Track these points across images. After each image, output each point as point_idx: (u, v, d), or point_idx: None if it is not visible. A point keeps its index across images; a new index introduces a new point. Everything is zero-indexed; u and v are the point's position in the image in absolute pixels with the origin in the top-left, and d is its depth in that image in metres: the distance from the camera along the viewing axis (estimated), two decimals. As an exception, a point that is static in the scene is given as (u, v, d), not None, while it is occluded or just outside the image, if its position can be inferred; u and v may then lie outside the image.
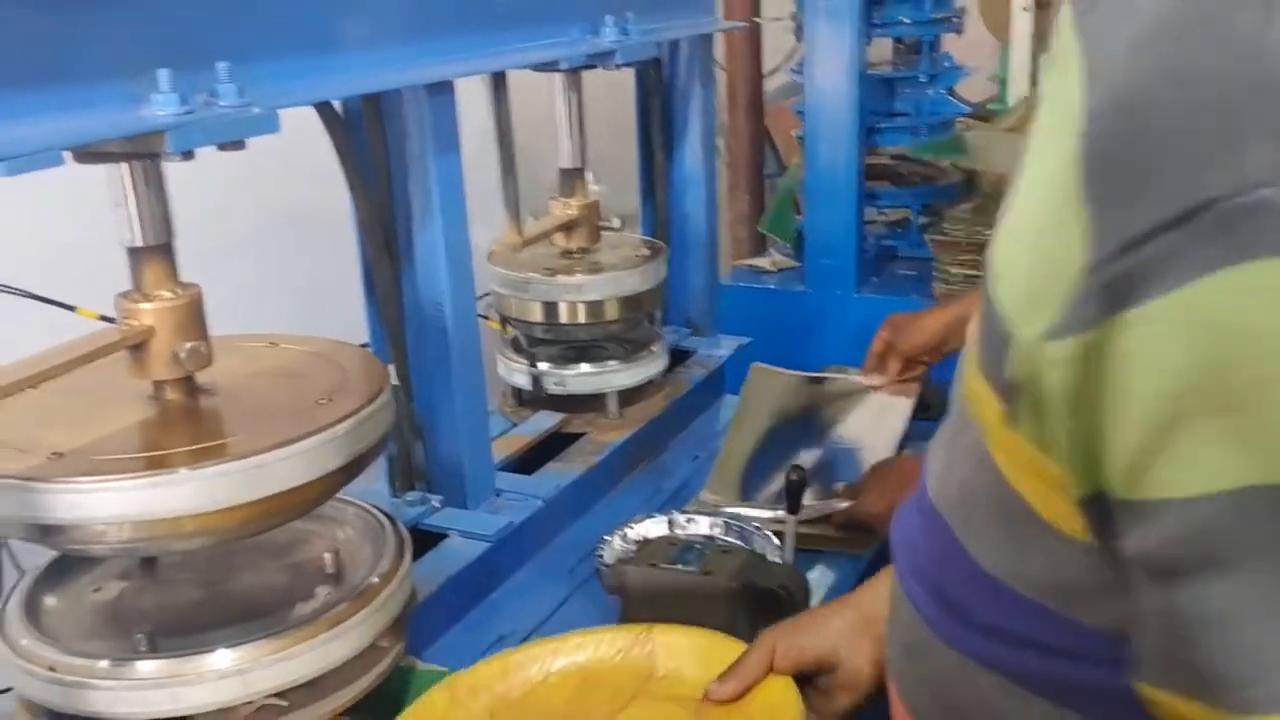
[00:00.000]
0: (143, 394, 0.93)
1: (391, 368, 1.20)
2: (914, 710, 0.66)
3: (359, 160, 1.14)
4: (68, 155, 0.76)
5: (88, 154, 0.81)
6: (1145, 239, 0.38)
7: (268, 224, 1.86)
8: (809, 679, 0.93)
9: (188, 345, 0.89)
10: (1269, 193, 0.35)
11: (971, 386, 0.52)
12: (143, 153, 0.82)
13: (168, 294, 0.89)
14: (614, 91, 1.75)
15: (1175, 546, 0.41)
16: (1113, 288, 0.39)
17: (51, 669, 0.87)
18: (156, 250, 0.89)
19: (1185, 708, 0.44)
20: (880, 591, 0.89)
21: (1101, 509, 0.45)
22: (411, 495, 1.24)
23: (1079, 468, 0.44)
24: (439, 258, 1.19)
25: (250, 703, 0.89)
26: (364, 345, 1.25)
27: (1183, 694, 0.44)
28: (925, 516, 0.62)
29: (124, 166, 0.84)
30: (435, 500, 1.24)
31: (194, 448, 0.85)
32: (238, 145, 0.85)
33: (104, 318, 1.35)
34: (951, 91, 2.33)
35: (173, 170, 0.87)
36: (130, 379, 0.92)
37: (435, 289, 1.20)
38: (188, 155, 0.82)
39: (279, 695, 0.91)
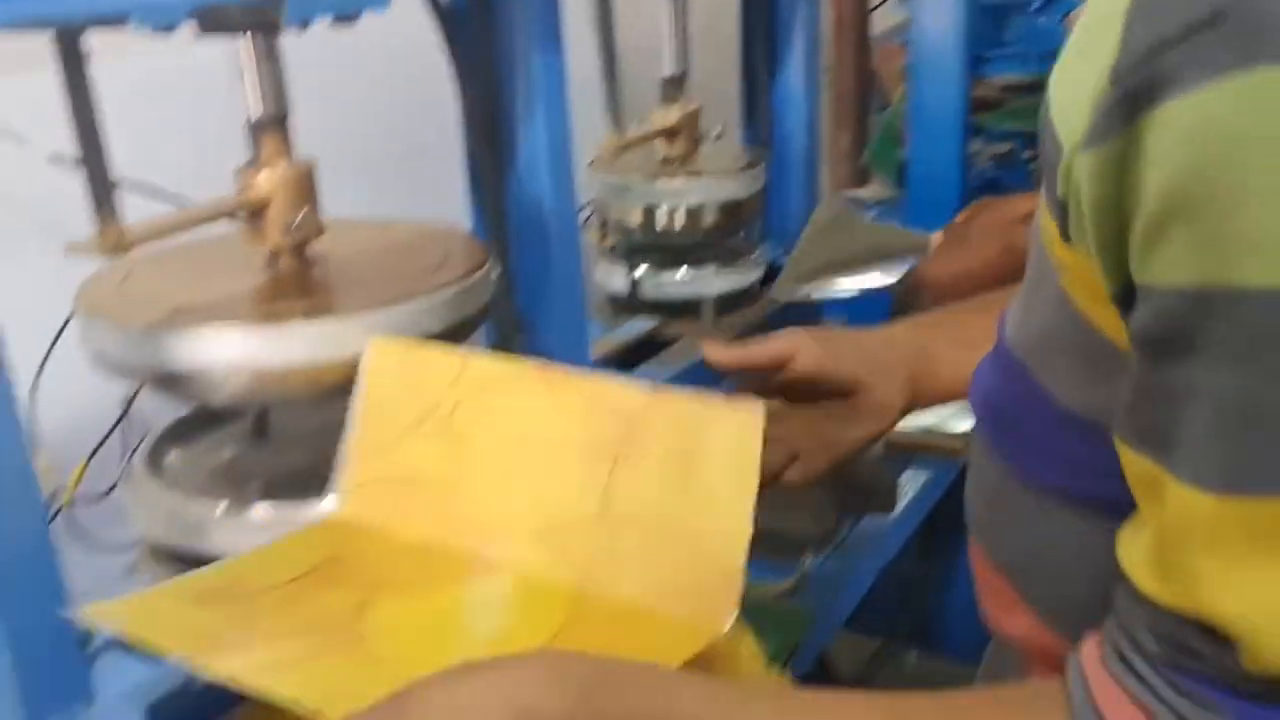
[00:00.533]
0: (258, 262, 0.98)
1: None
2: (1003, 568, 0.67)
3: (464, 54, 1.17)
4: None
5: (210, 21, 0.85)
6: (1169, 45, 0.39)
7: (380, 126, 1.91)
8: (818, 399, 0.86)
9: (300, 214, 0.94)
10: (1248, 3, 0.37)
11: (1043, 223, 0.54)
12: (261, 22, 0.86)
13: (283, 164, 0.94)
14: (717, 6, 1.76)
15: (1155, 326, 0.44)
16: (1137, 92, 0.40)
17: (173, 512, 0.93)
18: (273, 122, 0.93)
19: (1139, 462, 0.48)
20: (930, 335, 0.85)
21: (1128, 303, 0.47)
22: (510, 386, 1.28)
23: (1110, 267, 0.47)
24: (541, 154, 1.21)
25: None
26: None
27: (1140, 450, 0.48)
28: (1004, 365, 0.64)
29: (244, 38, 0.89)
30: (533, 391, 1.28)
31: (304, 305, 0.90)
32: (349, 20, 0.89)
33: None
34: (1064, 20, 2.28)
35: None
36: (247, 249, 0.97)
37: (537, 186, 1.23)
38: (303, 25, 0.86)
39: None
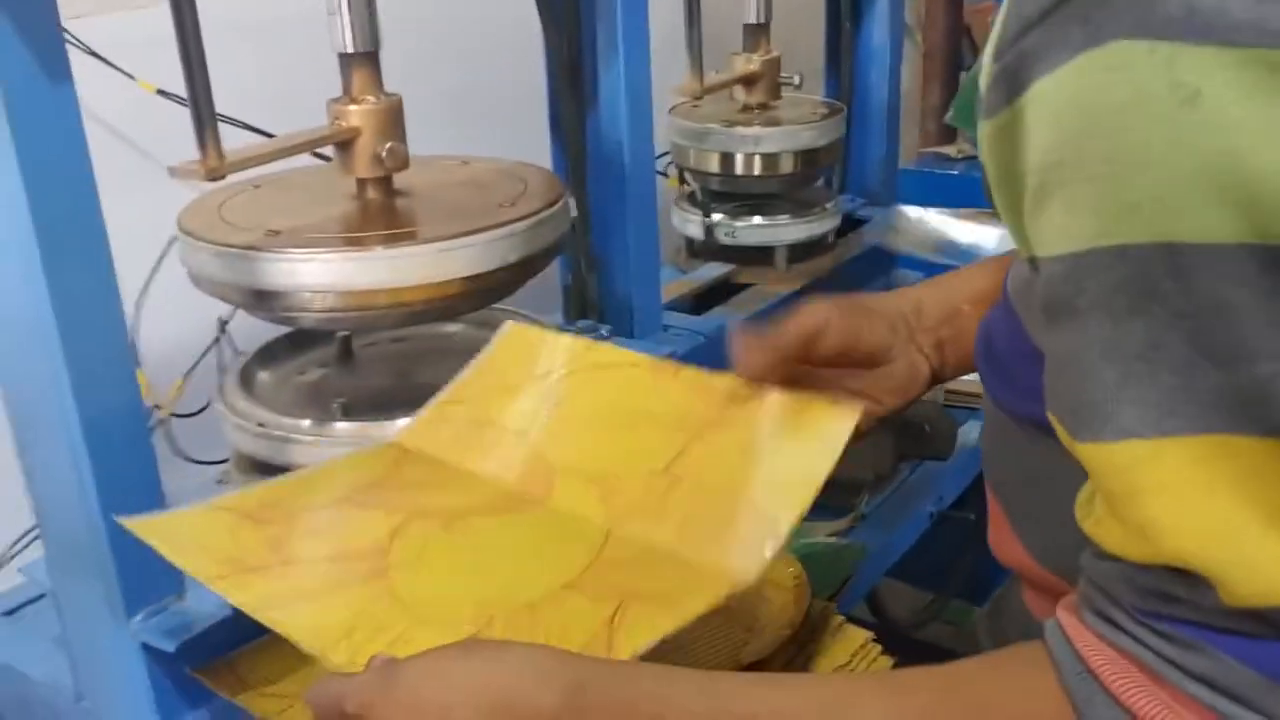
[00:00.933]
0: (347, 192, 1.03)
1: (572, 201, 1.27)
2: (998, 487, 0.70)
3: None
4: None
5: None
6: (1031, 26, 0.42)
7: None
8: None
9: (388, 145, 0.98)
10: None
11: None
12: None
13: (372, 98, 0.98)
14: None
15: (1048, 296, 0.46)
16: (1012, 71, 0.42)
17: (261, 425, 0.99)
18: (364, 57, 0.98)
19: (1060, 429, 0.49)
20: (952, 297, 0.81)
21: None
22: (583, 323, 1.32)
23: (1018, 238, 0.49)
24: (620, 95, 1.24)
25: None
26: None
27: (1056, 416, 0.49)
28: (1004, 304, 0.66)
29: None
30: (604, 329, 1.32)
31: (388, 233, 0.95)
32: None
33: (319, 156, 1.47)
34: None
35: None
36: (336, 180, 1.02)
37: (615, 128, 1.26)
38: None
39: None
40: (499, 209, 1.00)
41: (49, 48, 0.73)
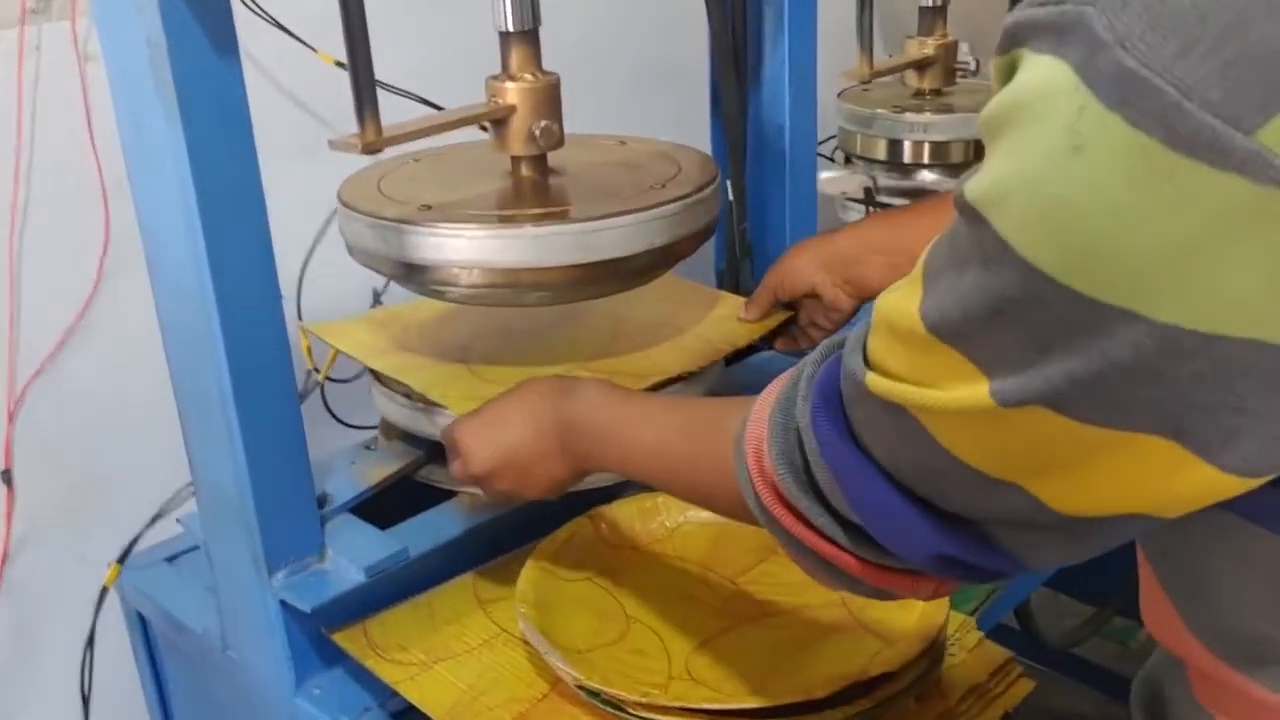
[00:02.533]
0: (502, 169, 1.04)
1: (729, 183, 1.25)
2: (1153, 557, 0.65)
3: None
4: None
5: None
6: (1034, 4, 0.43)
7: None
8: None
9: (542, 124, 0.98)
10: (1080, 8, 0.40)
11: None
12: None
13: (529, 77, 0.98)
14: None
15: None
16: (1009, 35, 0.44)
17: (406, 395, 1.01)
18: (523, 36, 0.97)
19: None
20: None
21: None
22: (735, 309, 1.30)
23: None
24: (784, 79, 1.22)
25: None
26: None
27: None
28: None
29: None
30: (757, 316, 1.29)
31: (537, 211, 0.95)
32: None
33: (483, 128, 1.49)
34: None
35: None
36: (492, 156, 1.03)
37: (777, 110, 1.24)
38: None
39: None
40: (650, 191, 0.98)
41: (219, 26, 0.76)
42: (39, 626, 1.33)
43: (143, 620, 1.11)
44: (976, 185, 0.43)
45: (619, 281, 0.98)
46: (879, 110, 1.46)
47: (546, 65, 0.99)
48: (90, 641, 1.19)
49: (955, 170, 1.47)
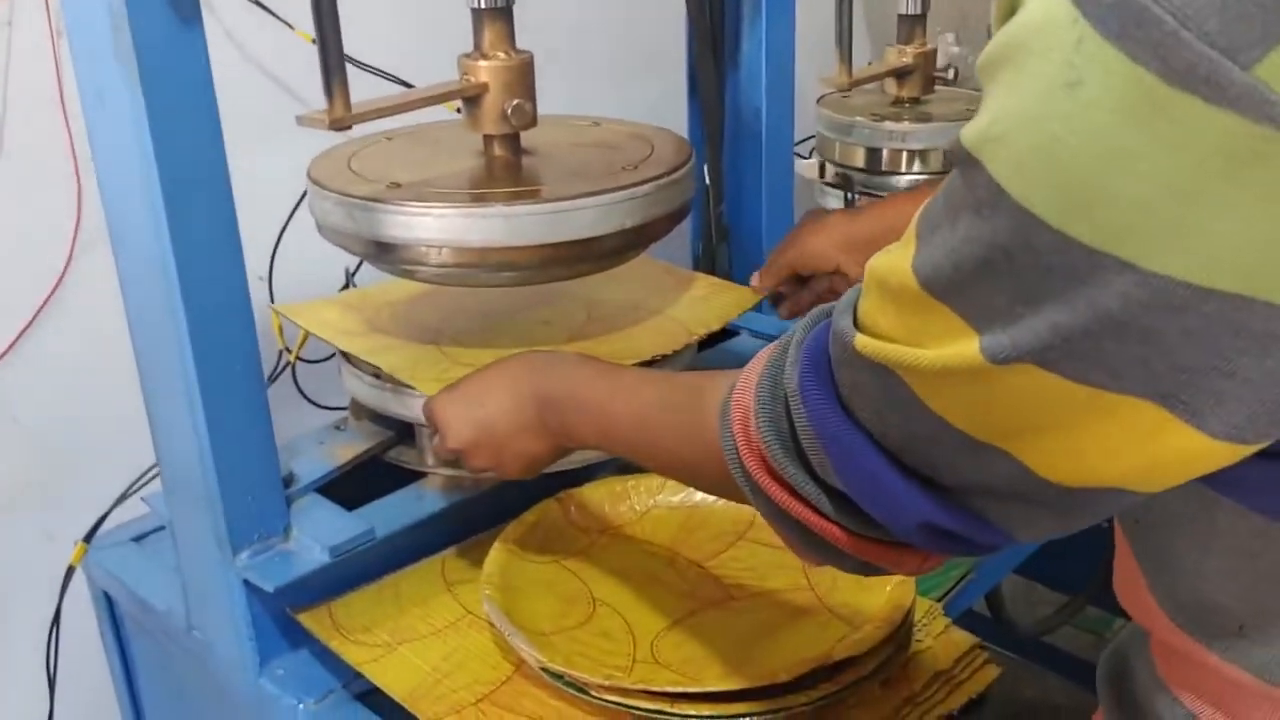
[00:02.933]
0: (474, 148, 1.03)
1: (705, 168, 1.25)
2: (1129, 525, 0.65)
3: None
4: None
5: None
6: None
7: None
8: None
9: (515, 103, 0.97)
10: None
11: None
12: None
13: (502, 55, 0.97)
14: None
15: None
16: None
17: (375, 376, 1.00)
18: (496, 13, 0.96)
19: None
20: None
21: None
22: (711, 293, 1.30)
23: None
24: (761, 63, 1.21)
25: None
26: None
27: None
28: None
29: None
30: (732, 299, 1.29)
31: (508, 190, 0.94)
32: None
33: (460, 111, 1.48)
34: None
35: None
36: (465, 135, 1.02)
37: (754, 93, 1.23)
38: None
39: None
40: (622, 172, 0.98)
41: (180, -6, 0.75)
42: (4, 605, 1.32)
43: (109, 600, 1.10)
44: (971, 129, 0.42)
45: (590, 262, 0.97)
46: (858, 118, 1.45)
47: (523, 49, 0.98)
48: (56, 620, 1.18)
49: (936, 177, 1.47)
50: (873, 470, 0.52)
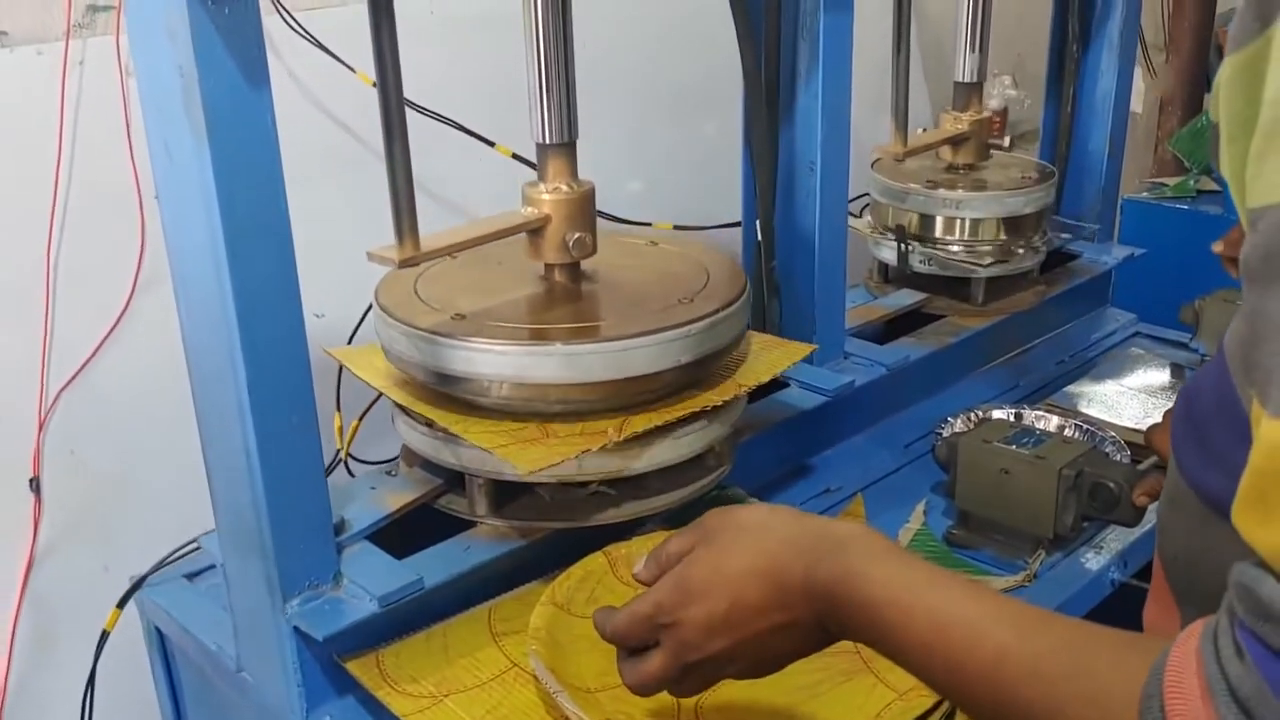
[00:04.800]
0: (536, 273, 1.06)
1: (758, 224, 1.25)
2: (1168, 562, 0.64)
3: (750, 10, 1.18)
4: None
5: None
6: None
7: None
8: None
9: (576, 235, 1.00)
10: None
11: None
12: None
13: (565, 188, 1.00)
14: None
15: (1255, 252, 0.41)
16: (1263, 11, 0.39)
17: (429, 424, 1.01)
18: (560, 148, 1.00)
19: (1251, 403, 0.44)
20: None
21: None
22: (762, 344, 1.30)
23: (1238, 191, 0.45)
24: (817, 118, 1.21)
25: (585, 485, 1.00)
26: (735, 224, 1.33)
27: (1248, 388, 0.44)
28: (1217, 365, 0.59)
29: (538, 51, 0.96)
30: (783, 352, 1.29)
31: (568, 326, 0.97)
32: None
33: (516, 156, 1.50)
34: None
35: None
36: (527, 257, 1.04)
37: (809, 148, 1.23)
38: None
39: (609, 485, 1.00)
40: (679, 305, 1.00)
41: (250, 57, 0.76)
42: (60, 635, 1.34)
43: (160, 635, 1.12)
44: None
45: (646, 395, 0.99)
46: (911, 184, 1.45)
47: (583, 86, 1.00)
48: (99, 650, 1.19)
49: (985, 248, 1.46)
50: None
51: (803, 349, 1.14)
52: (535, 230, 1.00)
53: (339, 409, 1.23)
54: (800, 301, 1.28)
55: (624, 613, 0.72)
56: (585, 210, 1.01)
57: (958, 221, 1.45)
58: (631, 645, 0.72)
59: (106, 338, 1.34)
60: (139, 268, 1.34)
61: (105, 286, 1.33)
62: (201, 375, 0.89)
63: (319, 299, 1.33)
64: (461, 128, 1.50)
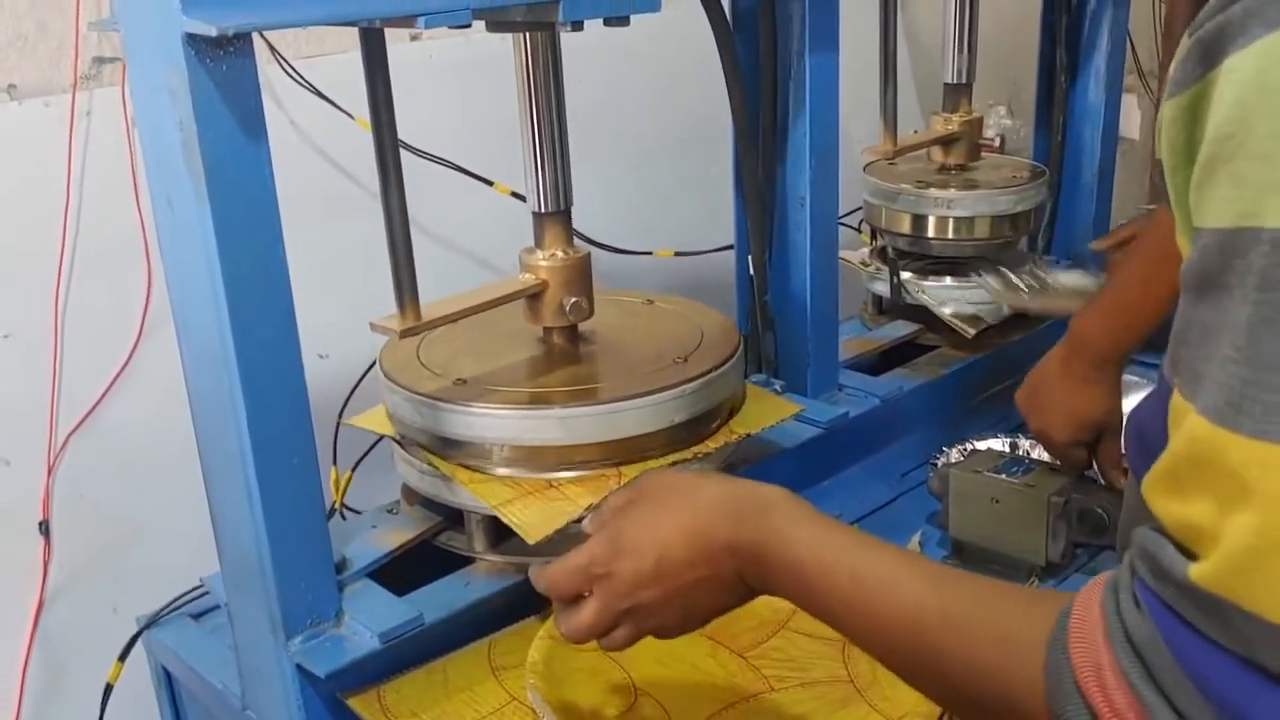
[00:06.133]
0: (535, 335, 1.09)
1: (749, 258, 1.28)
2: None
3: (738, 53, 1.20)
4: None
5: (494, 22, 0.93)
6: (1226, 12, 0.42)
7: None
8: None
9: (573, 300, 1.04)
10: None
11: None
12: (539, 22, 0.93)
13: (561, 254, 1.04)
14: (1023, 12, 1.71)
15: (1201, 267, 0.46)
16: (1208, 44, 0.42)
17: (429, 464, 1.03)
18: (555, 216, 1.03)
19: (1174, 392, 0.49)
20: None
21: None
22: (757, 378, 1.32)
23: (1183, 226, 0.48)
24: (805, 155, 1.24)
25: (579, 520, 1.01)
26: (729, 247, 1.36)
27: (1174, 377, 0.49)
28: (1159, 394, 0.61)
29: (523, 38, 0.96)
30: (778, 385, 1.31)
31: (566, 389, 1.00)
32: (622, 22, 0.95)
33: (515, 194, 1.52)
34: None
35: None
36: (525, 324, 1.08)
37: (799, 185, 1.26)
38: (577, 26, 0.92)
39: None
40: (673, 366, 1.03)
41: (248, 113, 0.79)
42: (70, 677, 1.36)
43: (168, 675, 1.14)
44: (1216, 232, 0.43)
45: (643, 454, 1.01)
46: (903, 186, 1.47)
47: (577, 124, 1.03)
48: (106, 693, 1.20)
49: (979, 245, 1.49)
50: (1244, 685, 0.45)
51: (791, 408, 1.17)
52: (534, 295, 1.04)
53: (335, 463, 1.26)
54: (794, 334, 1.31)
55: (559, 564, 0.75)
56: (581, 275, 1.04)
57: (949, 221, 1.47)
58: (567, 596, 0.75)
59: (114, 382, 1.37)
60: (145, 313, 1.37)
61: (112, 332, 1.36)
62: (204, 419, 0.91)
63: (323, 340, 1.37)
64: (460, 169, 1.53)
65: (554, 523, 0.93)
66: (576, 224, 1.08)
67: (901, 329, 1.50)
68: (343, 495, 1.21)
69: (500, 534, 1.02)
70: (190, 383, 0.91)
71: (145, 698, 1.18)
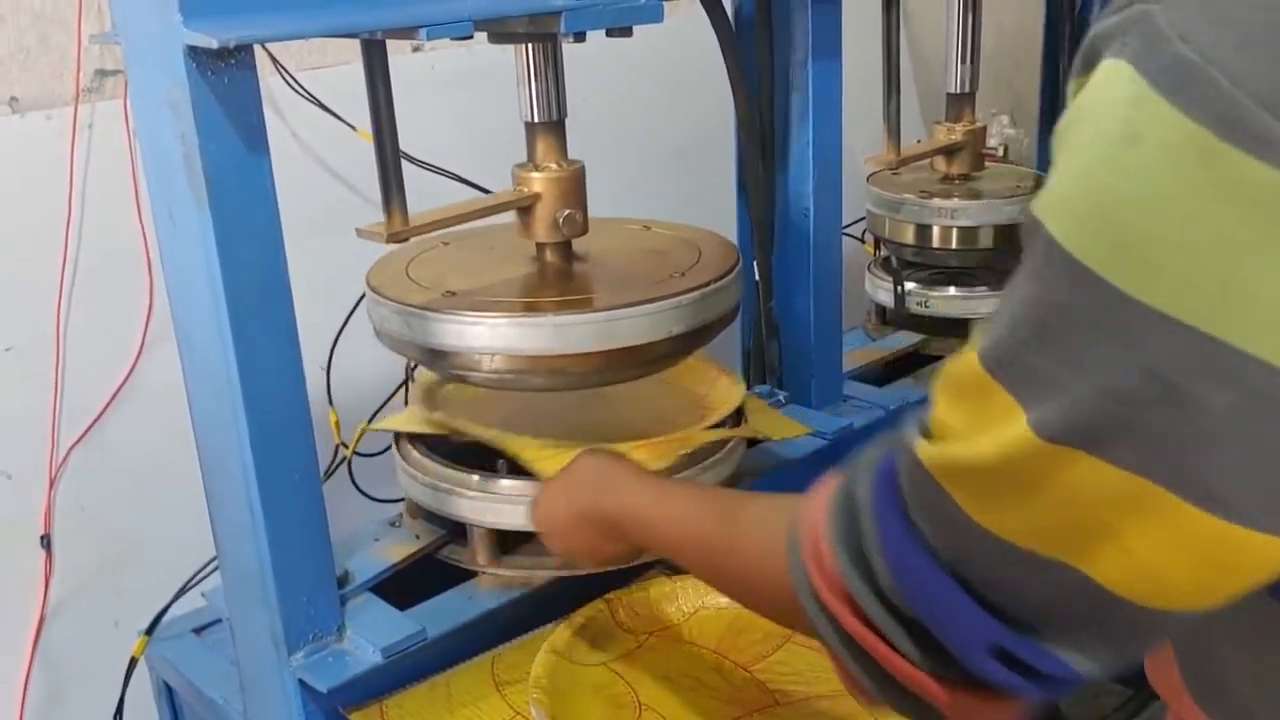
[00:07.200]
0: (527, 254, 1.06)
1: (755, 265, 1.27)
2: None
3: (742, 62, 1.20)
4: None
5: (496, 34, 0.93)
6: (1109, 15, 0.44)
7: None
8: None
9: (566, 212, 1.00)
10: (1145, 7, 0.41)
11: None
12: (541, 33, 0.92)
13: (554, 166, 1.00)
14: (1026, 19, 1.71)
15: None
16: (1087, 53, 0.45)
17: (431, 478, 1.02)
18: (549, 126, 1.00)
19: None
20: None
21: None
22: (761, 388, 1.31)
23: None
24: (808, 164, 1.24)
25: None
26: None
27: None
28: None
29: (525, 47, 0.96)
30: (781, 395, 1.30)
31: (559, 299, 0.97)
32: (625, 33, 0.94)
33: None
34: None
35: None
36: (519, 241, 1.05)
37: (802, 194, 1.25)
38: (579, 37, 0.91)
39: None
40: (670, 279, 1.00)
41: (249, 125, 0.79)
42: (71, 690, 1.35)
43: (169, 690, 1.13)
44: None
45: (639, 368, 0.99)
46: (906, 195, 1.47)
47: (577, 140, 1.01)
48: (119, 710, 1.20)
49: (982, 255, 1.48)
50: (941, 594, 0.50)
51: (797, 428, 1.16)
52: (525, 209, 1.00)
53: (331, 403, 1.25)
54: (799, 343, 1.30)
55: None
56: (576, 188, 1.01)
57: (953, 230, 1.46)
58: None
59: (116, 395, 1.36)
60: (147, 326, 1.37)
61: (114, 345, 1.35)
62: (206, 433, 0.90)
63: (324, 352, 1.36)
64: (462, 179, 1.52)
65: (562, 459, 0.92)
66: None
67: (906, 339, 1.49)
68: (352, 450, 1.20)
69: (503, 547, 1.02)
70: (192, 396, 0.90)
71: (148, 714, 1.17)
